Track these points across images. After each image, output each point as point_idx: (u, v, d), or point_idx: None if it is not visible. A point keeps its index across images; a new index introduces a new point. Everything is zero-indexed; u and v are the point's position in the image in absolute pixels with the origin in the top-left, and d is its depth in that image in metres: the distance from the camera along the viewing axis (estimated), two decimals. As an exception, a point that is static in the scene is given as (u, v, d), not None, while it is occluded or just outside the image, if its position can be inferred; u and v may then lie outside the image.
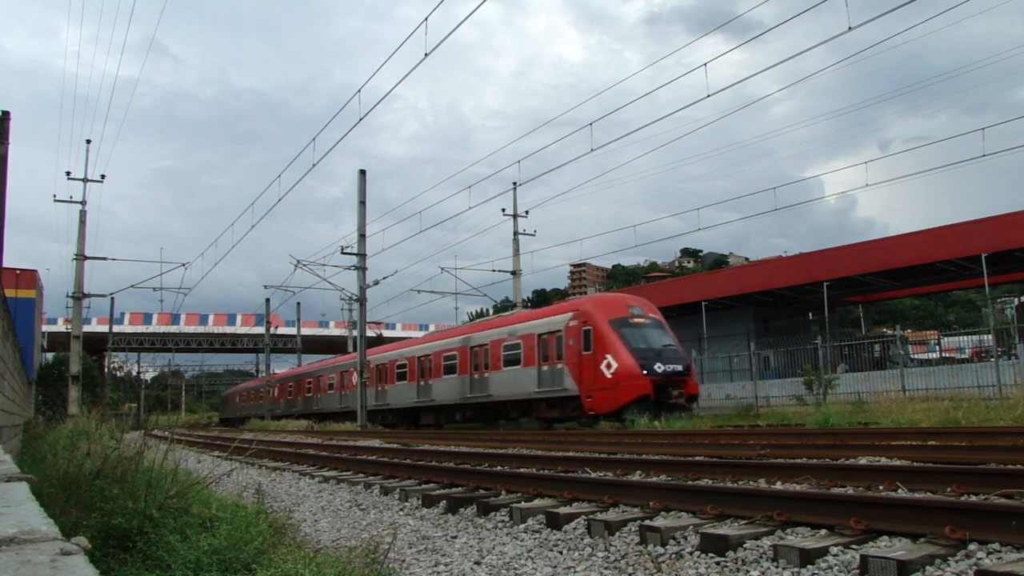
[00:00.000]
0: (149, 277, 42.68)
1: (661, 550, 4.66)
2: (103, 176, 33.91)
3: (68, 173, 32.69)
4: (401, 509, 7.50)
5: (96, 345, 57.18)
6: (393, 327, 74.94)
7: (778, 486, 6.44)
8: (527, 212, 35.14)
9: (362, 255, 30.80)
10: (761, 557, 4.26)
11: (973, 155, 20.77)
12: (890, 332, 38.92)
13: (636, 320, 21.62)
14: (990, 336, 25.52)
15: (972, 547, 3.91)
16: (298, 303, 60.65)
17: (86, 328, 40.28)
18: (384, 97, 19.59)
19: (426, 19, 15.74)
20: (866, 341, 30.51)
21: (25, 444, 12.70)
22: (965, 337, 37.21)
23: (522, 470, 8.87)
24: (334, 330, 73.37)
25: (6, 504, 1.59)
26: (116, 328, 56.30)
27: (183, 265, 35.64)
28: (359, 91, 19.78)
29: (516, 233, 34.64)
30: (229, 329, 75.22)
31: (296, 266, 32.13)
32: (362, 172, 31.01)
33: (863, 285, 33.30)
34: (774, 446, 9.96)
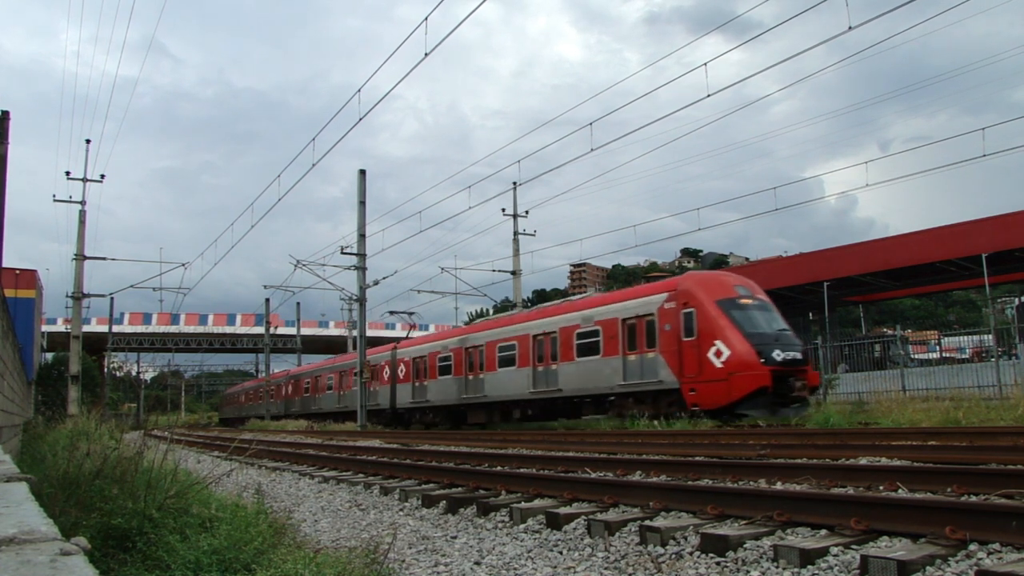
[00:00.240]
0: (149, 277, 42.67)
1: (661, 550, 4.66)
2: (103, 176, 33.93)
3: (68, 173, 32.72)
4: (401, 509, 7.50)
5: (96, 345, 57.18)
6: (393, 327, 75.00)
7: (778, 486, 6.43)
8: (527, 212, 35.19)
9: (362, 255, 30.81)
10: (761, 557, 4.26)
11: (973, 155, 20.76)
12: (890, 332, 38.96)
13: (745, 301, 18.85)
14: (990, 336, 25.55)
15: (972, 547, 3.91)
16: (298, 303, 60.73)
17: (86, 328, 40.28)
18: (384, 97, 19.61)
19: (426, 19, 15.77)
20: (866, 341, 30.51)
21: (25, 444, 12.70)
22: (965, 337, 37.22)
23: (522, 470, 8.87)
24: (334, 330, 73.40)
25: (6, 504, 1.58)
26: (116, 328, 56.35)
27: (183, 265, 35.68)
28: (359, 91, 19.81)
29: (516, 233, 34.66)
30: (229, 329, 75.28)
31: (296, 266, 32.18)
32: (362, 172, 31.03)
33: (863, 285, 33.30)
34: (774, 446, 9.95)
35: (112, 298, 43.00)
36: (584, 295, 26.12)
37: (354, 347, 38.84)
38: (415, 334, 35.86)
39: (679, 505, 5.65)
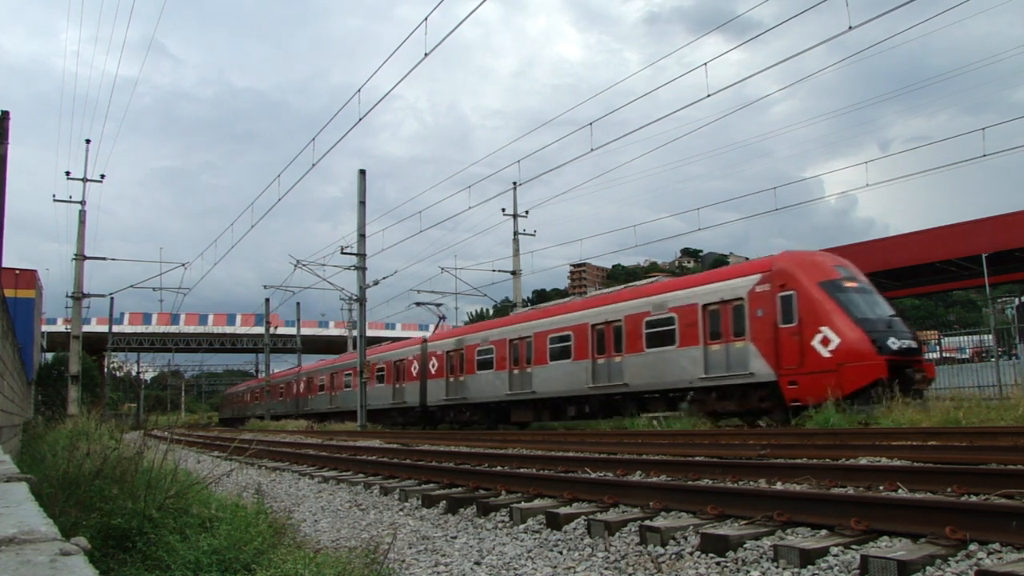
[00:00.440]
0: (149, 277, 42.66)
1: (661, 550, 4.66)
2: (103, 176, 33.98)
3: (68, 173, 32.77)
4: (401, 509, 7.50)
5: (96, 345, 57.20)
6: (393, 327, 75.03)
7: (778, 486, 6.43)
8: (527, 212, 35.22)
9: (362, 255, 30.82)
10: (761, 557, 4.26)
11: (973, 155, 20.76)
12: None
13: (849, 283, 17.00)
14: (990, 336, 25.54)
15: (972, 547, 3.91)
16: (298, 303, 60.63)
17: (86, 328, 40.29)
18: (384, 97, 19.62)
19: (426, 19, 15.78)
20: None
21: (25, 444, 12.70)
22: (965, 337, 37.19)
23: (522, 470, 8.87)
24: (334, 330, 73.39)
25: (6, 504, 1.58)
26: (116, 328, 56.35)
27: (183, 265, 35.73)
28: (359, 91, 19.82)
29: (516, 233, 34.68)
30: (229, 329, 75.28)
31: (296, 266, 32.18)
32: (362, 172, 31.04)
33: (863, 285, 33.25)
34: (774, 446, 9.95)
35: (112, 298, 43.09)
36: (652, 280, 23.39)
37: (354, 347, 38.80)
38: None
39: (679, 505, 5.65)
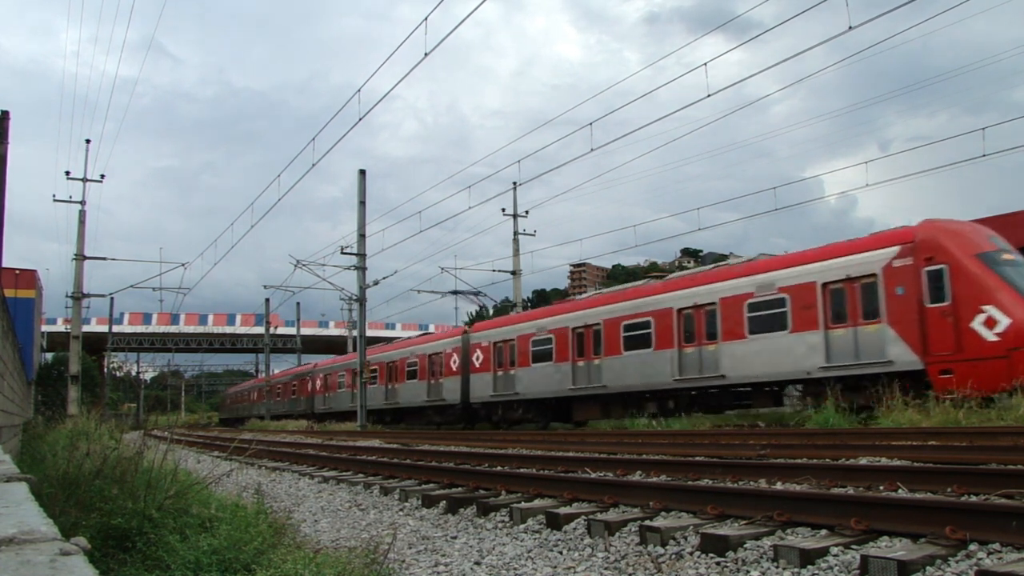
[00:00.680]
0: (149, 277, 42.62)
1: (661, 550, 4.66)
2: (102, 176, 34.04)
3: (67, 173, 32.81)
4: (401, 509, 7.50)
5: (96, 345, 57.24)
6: (393, 327, 75.04)
7: (778, 486, 6.43)
8: (527, 212, 35.23)
9: (362, 255, 30.82)
10: (761, 557, 4.26)
11: (973, 155, 20.74)
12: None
13: (1008, 256, 14.89)
14: None
15: (972, 547, 3.91)
16: (298, 303, 60.68)
17: (86, 328, 40.31)
18: (384, 97, 19.63)
19: (426, 19, 15.78)
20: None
21: (25, 444, 12.70)
22: None
23: (522, 470, 8.88)
24: (334, 330, 73.43)
25: (6, 504, 1.58)
26: (116, 328, 56.39)
27: (182, 265, 35.73)
28: (359, 91, 19.82)
29: (516, 233, 34.70)
30: (229, 329, 75.33)
31: (296, 266, 32.14)
32: (362, 172, 31.05)
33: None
34: (774, 446, 9.96)
35: (112, 298, 43.09)
36: (749, 258, 20.11)
37: (354, 347, 38.79)
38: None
39: (679, 505, 5.65)
